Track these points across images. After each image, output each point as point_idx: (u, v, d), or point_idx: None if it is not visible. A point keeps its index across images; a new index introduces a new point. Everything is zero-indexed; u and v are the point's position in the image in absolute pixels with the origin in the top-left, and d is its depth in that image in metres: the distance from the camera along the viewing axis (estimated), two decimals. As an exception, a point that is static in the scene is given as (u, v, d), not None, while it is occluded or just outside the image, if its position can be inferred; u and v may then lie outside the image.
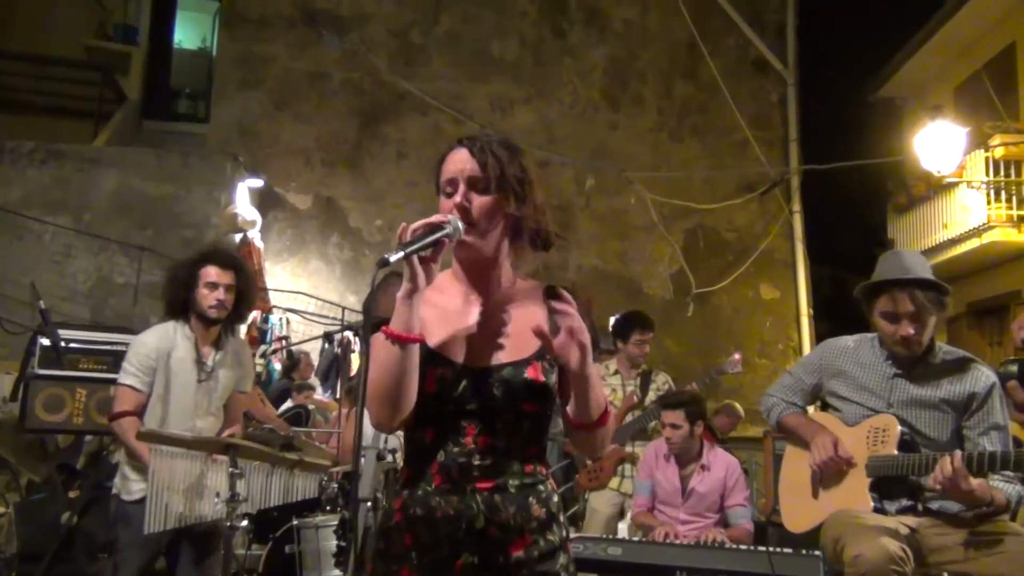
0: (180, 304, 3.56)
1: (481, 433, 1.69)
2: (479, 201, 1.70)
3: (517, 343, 1.74)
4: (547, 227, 1.79)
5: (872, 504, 2.81)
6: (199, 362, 3.53)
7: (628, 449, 5.09)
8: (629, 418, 5.13)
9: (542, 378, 1.72)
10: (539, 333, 1.65)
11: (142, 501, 3.28)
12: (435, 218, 1.64)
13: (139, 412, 3.46)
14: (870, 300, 2.95)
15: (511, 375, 1.71)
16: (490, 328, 1.75)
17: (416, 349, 1.65)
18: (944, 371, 2.90)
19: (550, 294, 1.81)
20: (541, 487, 1.76)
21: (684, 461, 4.38)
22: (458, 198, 1.70)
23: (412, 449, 1.77)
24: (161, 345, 3.49)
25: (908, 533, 2.74)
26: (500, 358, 1.73)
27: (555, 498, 1.78)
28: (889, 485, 2.85)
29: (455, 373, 1.70)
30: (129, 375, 3.47)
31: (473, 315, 1.76)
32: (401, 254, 1.55)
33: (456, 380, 1.70)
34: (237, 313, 3.63)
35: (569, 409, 1.74)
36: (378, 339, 1.64)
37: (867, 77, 12.25)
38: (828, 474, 2.93)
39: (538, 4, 11.25)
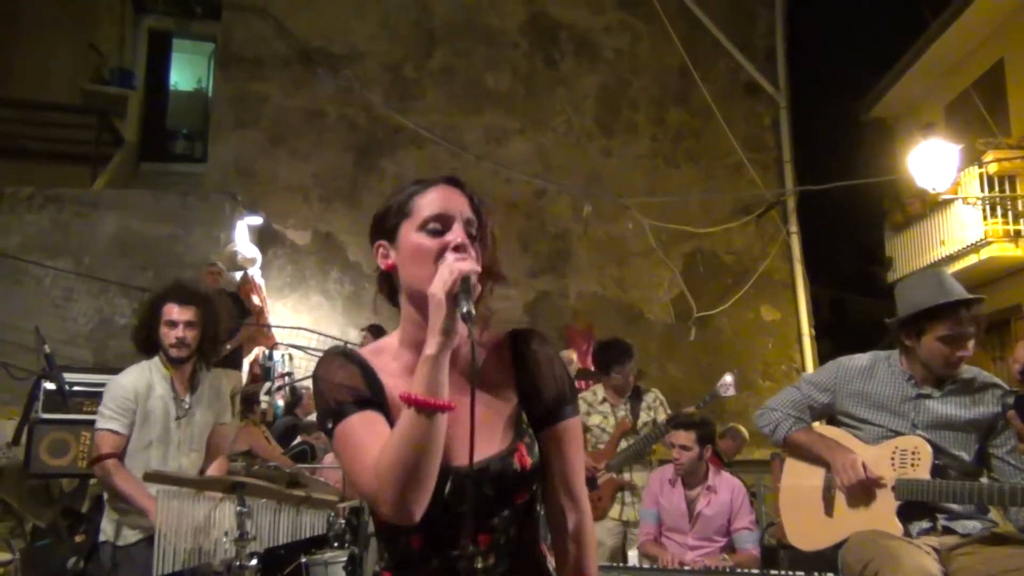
0: (148, 343, 3.54)
1: (480, 530, 1.49)
2: (477, 248, 1.50)
3: (494, 425, 1.51)
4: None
5: (901, 527, 2.75)
6: (177, 399, 3.50)
7: (626, 476, 5.00)
8: (623, 444, 5.03)
9: (529, 460, 1.52)
10: None
11: (140, 543, 3.26)
12: (468, 266, 1.40)
13: (120, 455, 3.39)
14: (921, 326, 2.84)
15: (500, 469, 1.48)
16: (463, 410, 1.41)
17: (444, 419, 1.38)
18: (968, 391, 2.87)
19: (515, 340, 1.58)
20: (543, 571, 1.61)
21: (690, 484, 4.37)
22: (461, 238, 1.47)
23: (395, 557, 1.54)
24: (138, 385, 3.45)
25: (935, 555, 2.71)
26: (483, 451, 1.46)
27: None
28: (910, 507, 2.79)
29: (440, 475, 1.42)
30: (107, 419, 3.40)
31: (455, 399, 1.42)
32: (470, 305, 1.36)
33: (442, 482, 1.42)
34: (206, 349, 3.57)
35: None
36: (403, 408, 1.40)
37: (858, 98, 12.39)
38: (853, 494, 2.86)
39: (529, 36, 11.36)
